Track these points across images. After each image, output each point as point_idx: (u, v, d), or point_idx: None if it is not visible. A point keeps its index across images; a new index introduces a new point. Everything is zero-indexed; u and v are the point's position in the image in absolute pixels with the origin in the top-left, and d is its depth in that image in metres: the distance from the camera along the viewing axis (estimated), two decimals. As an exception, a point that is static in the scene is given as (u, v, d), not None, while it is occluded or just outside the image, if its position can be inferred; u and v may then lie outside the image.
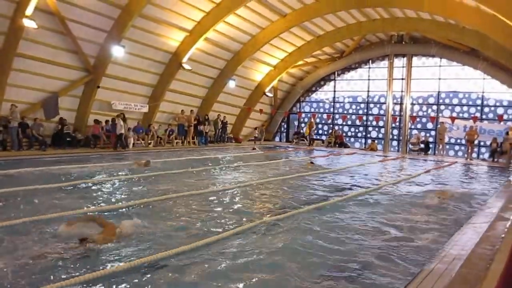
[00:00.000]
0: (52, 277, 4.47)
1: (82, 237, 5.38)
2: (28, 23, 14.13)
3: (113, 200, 8.41)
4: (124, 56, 17.61)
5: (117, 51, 17.01)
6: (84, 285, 4.26)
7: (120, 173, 11.94)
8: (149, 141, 20.24)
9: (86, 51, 16.92)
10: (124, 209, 7.55)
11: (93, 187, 9.70)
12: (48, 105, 16.66)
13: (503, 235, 6.23)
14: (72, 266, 4.77)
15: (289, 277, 4.76)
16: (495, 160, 20.33)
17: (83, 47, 16.67)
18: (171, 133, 21.53)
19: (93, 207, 7.61)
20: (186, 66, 20.14)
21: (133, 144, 19.30)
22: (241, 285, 4.57)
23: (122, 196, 8.85)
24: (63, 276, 4.46)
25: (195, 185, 10.43)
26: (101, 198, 8.55)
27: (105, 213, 7.15)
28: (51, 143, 16.98)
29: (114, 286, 4.35)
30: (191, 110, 22.34)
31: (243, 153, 19.90)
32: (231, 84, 23.31)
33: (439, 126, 22.43)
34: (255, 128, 27.83)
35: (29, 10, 13.90)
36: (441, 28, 20.34)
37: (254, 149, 22.01)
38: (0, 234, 5.72)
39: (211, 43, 20.74)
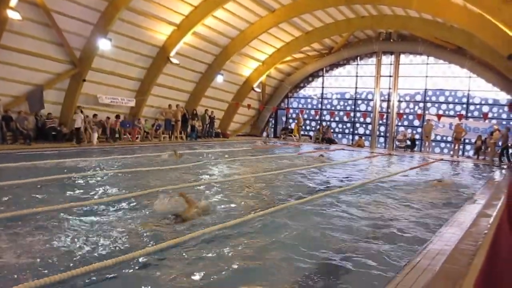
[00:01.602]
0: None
1: (176, 214, 6.57)
2: (12, 15, 13.86)
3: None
4: (111, 50, 17.41)
5: (104, 44, 16.81)
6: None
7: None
8: (136, 136, 20.08)
9: (71, 44, 16.68)
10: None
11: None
12: (33, 98, 16.41)
13: (485, 231, 6.30)
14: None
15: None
16: (480, 157, 20.60)
17: (68, 40, 16.43)
18: (158, 127, 21.39)
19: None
20: (174, 60, 19.99)
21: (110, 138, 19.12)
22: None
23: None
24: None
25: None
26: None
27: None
28: (35, 137, 16.69)
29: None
30: (177, 105, 22.21)
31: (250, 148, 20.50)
32: (219, 79, 23.23)
33: (425, 123, 22.63)
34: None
35: (13, 1, 13.64)
36: (429, 26, 20.51)
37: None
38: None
39: (199, 38, 20.61)
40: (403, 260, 5.28)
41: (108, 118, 18.95)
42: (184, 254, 5.20)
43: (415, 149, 23.57)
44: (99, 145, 17.73)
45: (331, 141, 26.06)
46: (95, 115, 18.54)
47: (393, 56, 24.39)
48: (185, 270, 4.75)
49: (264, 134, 29.14)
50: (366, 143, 25.25)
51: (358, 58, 25.97)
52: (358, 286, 4.69)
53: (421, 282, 4.36)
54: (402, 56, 24.29)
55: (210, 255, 5.23)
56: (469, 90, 22.76)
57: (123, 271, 4.65)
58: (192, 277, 4.59)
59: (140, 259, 4.93)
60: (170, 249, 5.29)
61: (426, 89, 24.04)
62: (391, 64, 24.57)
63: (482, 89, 22.28)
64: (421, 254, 5.31)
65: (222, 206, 7.78)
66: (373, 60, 25.17)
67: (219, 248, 5.49)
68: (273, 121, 29.91)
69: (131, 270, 4.71)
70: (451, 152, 22.06)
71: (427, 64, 23.69)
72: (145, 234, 5.86)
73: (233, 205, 8.00)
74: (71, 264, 4.69)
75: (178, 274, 4.63)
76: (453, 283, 4.33)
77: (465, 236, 6.14)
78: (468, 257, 5.11)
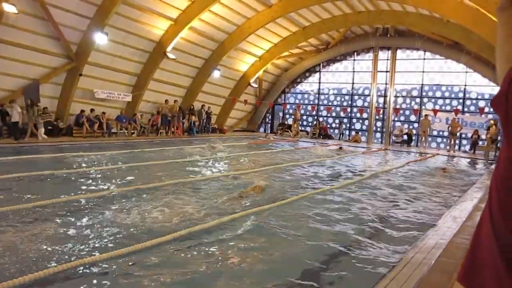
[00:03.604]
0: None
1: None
2: (8, 8, 13.79)
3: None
4: (107, 44, 17.34)
5: (100, 39, 16.73)
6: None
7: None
8: (132, 131, 20.04)
9: (68, 38, 16.61)
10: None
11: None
12: (29, 93, 16.33)
13: (481, 225, 6.33)
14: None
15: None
16: (476, 152, 20.69)
17: (65, 34, 16.36)
18: (154, 123, 21.33)
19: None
20: (171, 55, 19.93)
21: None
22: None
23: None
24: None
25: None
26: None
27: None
28: (31, 132, 16.58)
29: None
30: (175, 100, 22.17)
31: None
32: (216, 74, 23.16)
33: (422, 118, 22.65)
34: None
35: (9, -5, 13.59)
36: (426, 22, 20.49)
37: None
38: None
39: (196, 32, 20.54)
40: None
41: (103, 113, 18.92)
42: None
43: (412, 144, 23.63)
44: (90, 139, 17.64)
45: (327, 137, 26.10)
46: (92, 110, 18.51)
47: (390, 51, 24.38)
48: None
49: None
50: (363, 139, 25.29)
51: (355, 53, 25.96)
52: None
53: (416, 276, 4.39)
54: (399, 51, 24.28)
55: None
56: (465, 85, 22.82)
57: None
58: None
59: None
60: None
61: (422, 84, 24.09)
62: (388, 59, 24.55)
63: (479, 84, 22.35)
64: (417, 248, 5.34)
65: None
66: (370, 55, 25.14)
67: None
68: (270, 117, 29.85)
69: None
70: (448, 147, 22.14)
71: (424, 59, 23.72)
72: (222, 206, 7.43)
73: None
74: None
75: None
76: (448, 276, 4.37)
77: (460, 230, 6.18)
78: (463, 251, 5.14)
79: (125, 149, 15.11)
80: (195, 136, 22.34)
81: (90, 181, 9.08)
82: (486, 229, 1.18)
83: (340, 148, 19.91)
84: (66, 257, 4.71)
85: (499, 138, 19.44)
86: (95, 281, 4.23)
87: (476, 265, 1.22)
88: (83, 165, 11.19)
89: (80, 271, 4.36)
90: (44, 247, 4.98)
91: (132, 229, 5.78)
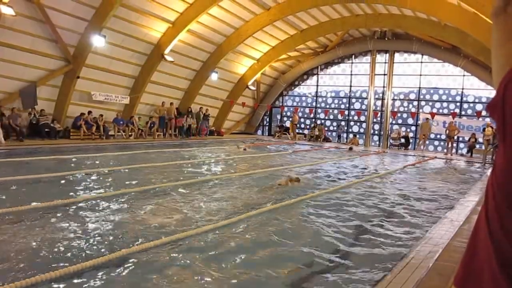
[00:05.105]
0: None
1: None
2: (6, 10, 13.75)
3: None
4: (105, 46, 17.33)
5: (98, 41, 16.71)
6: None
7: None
8: (130, 133, 20.00)
9: (65, 40, 16.59)
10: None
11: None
12: (26, 95, 16.30)
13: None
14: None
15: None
16: (473, 155, 20.71)
17: (62, 36, 16.33)
18: (152, 125, 21.30)
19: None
20: (168, 58, 19.92)
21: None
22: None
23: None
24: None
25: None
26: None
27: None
28: (28, 134, 16.55)
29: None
30: (171, 103, 22.14)
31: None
32: (214, 76, 23.16)
33: (424, 122, 22.58)
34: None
35: (6, -3, 13.56)
36: (423, 25, 20.58)
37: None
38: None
39: (194, 35, 20.55)
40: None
41: (101, 115, 18.88)
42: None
43: (409, 147, 23.64)
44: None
45: (325, 139, 26.10)
46: (89, 112, 18.47)
47: (387, 54, 24.44)
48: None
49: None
50: (360, 141, 25.30)
51: (353, 56, 26.01)
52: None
53: (414, 279, 4.38)
54: (397, 55, 24.35)
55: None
56: (462, 88, 22.89)
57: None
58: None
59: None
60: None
61: (420, 87, 24.13)
62: (385, 62, 24.61)
63: (476, 87, 22.41)
64: (414, 251, 5.34)
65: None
66: (368, 58, 25.20)
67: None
68: (267, 119, 29.86)
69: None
70: (445, 150, 22.18)
71: (421, 62, 23.78)
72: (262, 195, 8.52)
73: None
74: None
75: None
76: (446, 279, 4.36)
77: (458, 233, 6.18)
78: (461, 254, 5.11)
79: (122, 150, 15.07)
80: (187, 139, 22.13)
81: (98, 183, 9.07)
82: (482, 232, 1.17)
83: (350, 149, 21.04)
84: (74, 259, 4.69)
85: (495, 140, 19.49)
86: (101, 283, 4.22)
87: (473, 268, 1.21)
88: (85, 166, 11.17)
89: (83, 273, 4.32)
90: (45, 250, 4.93)
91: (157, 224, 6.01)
